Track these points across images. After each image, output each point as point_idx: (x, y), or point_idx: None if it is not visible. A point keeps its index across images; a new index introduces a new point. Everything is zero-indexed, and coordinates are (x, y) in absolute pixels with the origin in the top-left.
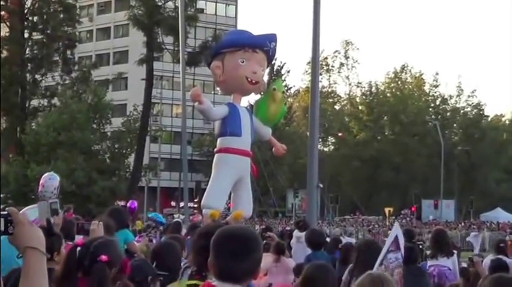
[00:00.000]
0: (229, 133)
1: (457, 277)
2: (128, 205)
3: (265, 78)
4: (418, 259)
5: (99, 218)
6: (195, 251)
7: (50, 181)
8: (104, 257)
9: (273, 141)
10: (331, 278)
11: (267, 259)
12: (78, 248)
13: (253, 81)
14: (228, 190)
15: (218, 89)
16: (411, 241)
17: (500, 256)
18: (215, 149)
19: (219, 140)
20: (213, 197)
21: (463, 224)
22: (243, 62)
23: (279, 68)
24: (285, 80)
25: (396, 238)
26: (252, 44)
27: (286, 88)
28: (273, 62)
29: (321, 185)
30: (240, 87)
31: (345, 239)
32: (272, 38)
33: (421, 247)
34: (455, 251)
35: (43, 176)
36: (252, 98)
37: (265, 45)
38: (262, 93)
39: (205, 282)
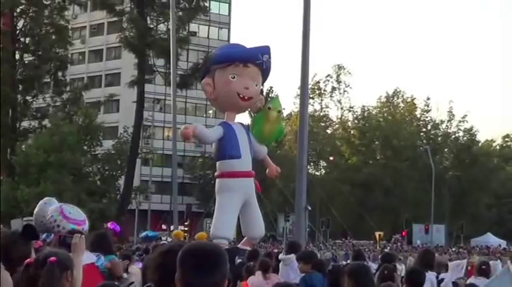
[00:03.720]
0: (228, 156)
1: None
2: (111, 227)
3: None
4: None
5: (80, 233)
6: (154, 268)
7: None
8: (52, 259)
9: (267, 161)
10: None
11: (257, 278)
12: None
13: (246, 97)
14: (235, 217)
15: (210, 112)
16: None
17: (480, 278)
18: (216, 174)
19: (218, 164)
20: (221, 227)
21: (454, 248)
22: (234, 77)
23: (268, 91)
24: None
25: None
26: (243, 58)
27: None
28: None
29: (309, 208)
30: (232, 104)
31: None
32: (264, 50)
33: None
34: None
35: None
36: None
37: (256, 58)
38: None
39: None
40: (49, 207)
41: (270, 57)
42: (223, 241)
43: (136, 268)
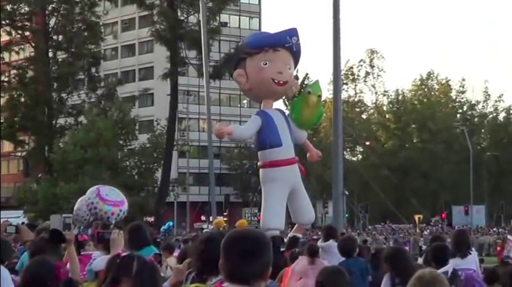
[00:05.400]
0: (269, 145)
1: (480, 276)
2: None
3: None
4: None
5: (119, 228)
6: (196, 255)
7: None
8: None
9: (308, 145)
10: (345, 283)
11: (302, 261)
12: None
13: (281, 82)
14: (283, 206)
15: (244, 102)
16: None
17: None
18: (259, 164)
19: (259, 153)
20: (271, 218)
21: (494, 229)
22: (266, 64)
23: (303, 78)
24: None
25: None
26: (271, 43)
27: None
28: (297, 73)
29: (347, 193)
30: (267, 91)
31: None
32: (292, 32)
33: None
34: (472, 252)
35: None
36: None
37: (285, 41)
38: (297, 94)
39: (218, 283)
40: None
41: (298, 39)
42: (275, 231)
43: (172, 258)
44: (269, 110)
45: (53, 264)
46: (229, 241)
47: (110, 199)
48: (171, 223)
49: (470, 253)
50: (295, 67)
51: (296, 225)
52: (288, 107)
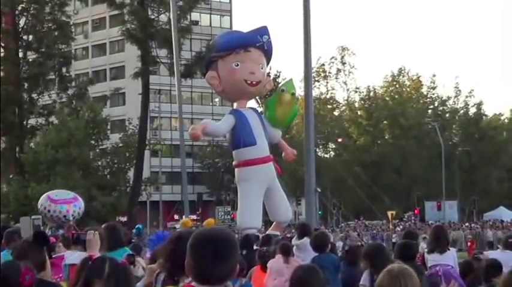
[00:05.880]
0: (243, 144)
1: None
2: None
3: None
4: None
5: (94, 229)
6: (166, 256)
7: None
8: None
9: (283, 145)
10: (319, 281)
11: (277, 261)
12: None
13: (254, 83)
14: (259, 205)
15: (216, 100)
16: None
17: (507, 251)
18: (233, 163)
19: (234, 153)
20: (248, 217)
21: (467, 224)
22: (237, 65)
23: (275, 77)
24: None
25: None
26: (242, 44)
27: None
28: (269, 70)
29: (319, 190)
30: (240, 92)
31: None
32: (263, 31)
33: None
34: (451, 248)
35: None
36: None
37: (256, 40)
38: (270, 92)
39: (185, 285)
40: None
41: (269, 37)
42: (253, 230)
43: (141, 259)
44: (243, 109)
45: (18, 270)
46: (198, 241)
47: (60, 199)
48: (140, 227)
49: (449, 249)
50: (267, 65)
51: (274, 223)
52: (261, 106)
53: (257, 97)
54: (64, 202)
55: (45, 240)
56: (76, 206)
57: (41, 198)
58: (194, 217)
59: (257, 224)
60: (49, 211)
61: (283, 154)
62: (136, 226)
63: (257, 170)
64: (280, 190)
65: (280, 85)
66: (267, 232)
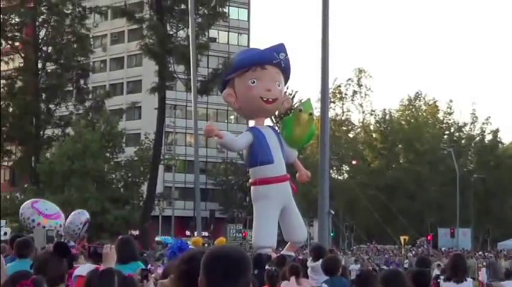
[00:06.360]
0: (260, 162)
1: None
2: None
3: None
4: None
5: (111, 243)
6: (178, 276)
7: (79, 215)
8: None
9: (298, 165)
10: None
11: (291, 284)
12: None
13: (270, 100)
14: (275, 224)
15: (232, 117)
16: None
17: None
18: (250, 181)
19: (251, 171)
20: (263, 236)
21: (480, 252)
22: (254, 82)
23: (290, 96)
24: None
25: None
26: (259, 61)
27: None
28: (286, 89)
29: (332, 212)
30: (257, 109)
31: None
32: (280, 48)
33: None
34: (468, 279)
35: (73, 212)
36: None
37: (273, 58)
38: (290, 111)
39: None
40: (82, 217)
41: (286, 55)
42: (267, 249)
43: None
44: (261, 127)
45: (17, 279)
46: (210, 258)
47: (48, 214)
48: (169, 239)
49: (466, 280)
50: (285, 82)
51: (288, 243)
52: (276, 125)
53: (272, 116)
54: (53, 217)
55: (65, 251)
56: (58, 223)
57: (26, 206)
58: (206, 233)
59: (272, 244)
60: (39, 223)
61: (297, 175)
62: (165, 238)
63: (273, 188)
64: (296, 210)
65: (297, 105)
66: (282, 252)
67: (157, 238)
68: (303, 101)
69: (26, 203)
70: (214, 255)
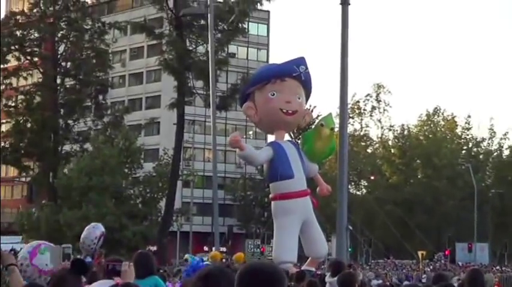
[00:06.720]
0: (281, 177)
1: None
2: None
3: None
4: None
5: (130, 260)
6: None
7: (93, 229)
8: None
9: (318, 179)
10: None
11: None
12: None
13: (290, 112)
14: (296, 239)
15: (250, 133)
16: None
17: None
18: (270, 196)
19: (271, 186)
20: (283, 251)
21: (497, 267)
22: (274, 94)
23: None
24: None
25: None
26: (278, 74)
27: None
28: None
29: (351, 228)
30: (277, 121)
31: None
32: (300, 61)
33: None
34: None
35: (88, 226)
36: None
37: (293, 71)
38: (311, 125)
39: None
40: (97, 231)
41: (307, 68)
42: (288, 265)
43: None
44: (281, 141)
45: None
46: (245, 274)
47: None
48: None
49: None
50: (307, 96)
51: (309, 259)
52: (297, 139)
53: (291, 131)
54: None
55: (83, 268)
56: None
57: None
58: (224, 249)
59: (293, 259)
60: (25, 271)
61: (317, 189)
62: (192, 256)
63: (294, 203)
64: (317, 224)
65: (319, 119)
66: (302, 268)
67: (186, 256)
68: (323, 116)
69: (23, 251)
70: (248, 270)
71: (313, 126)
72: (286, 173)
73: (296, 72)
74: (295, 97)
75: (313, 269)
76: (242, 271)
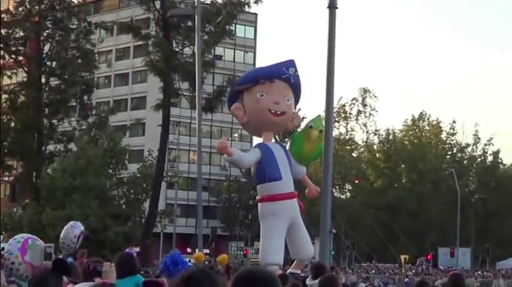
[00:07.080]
0: (268, 179)
1: None
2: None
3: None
4: None
5: (111, 260)
6: None
7: (72, 228)
8: None
9: (306, 181)
10: None
11: None
12: None
13: (278, 113)
14: (282, 241)
15: (236, 135)
16: None
17: None
18: (257, 198)
19: (258, 187)
20: (270, 253)
21: (479, 272)
22: (262, 95)
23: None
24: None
25: None
26: (267, 75)
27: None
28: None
29: (334, 231)
30: (265, 122)
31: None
32: (289, 64)
33: None
34: None
35: (66, 225)
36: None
37: (282, 72)
38: (298, 128)
39: None
40: (76, 230)
41: (296, 71)
42: (274, 267)
43: None
44: (269, 143)
45: None
46: (240, 280)
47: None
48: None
49: None
50: (296, 99)
51: (295, 261)
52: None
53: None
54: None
55: (64, 268)
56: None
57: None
58: (207, 251)
59: (279, 261)
60: (18, 269)
61: (306, 190)
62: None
63: (281, 205)
64: (304, 227)
65: (308, 121)
66: (288, 271)
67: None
68: (311, 118)
69: (12, 249)
70: (243, 276)
71: (300, 129)
72: (274, 175)
73: (285, 75)
74: (284, 99)
75: (299, 271)
76: (238, 276)
